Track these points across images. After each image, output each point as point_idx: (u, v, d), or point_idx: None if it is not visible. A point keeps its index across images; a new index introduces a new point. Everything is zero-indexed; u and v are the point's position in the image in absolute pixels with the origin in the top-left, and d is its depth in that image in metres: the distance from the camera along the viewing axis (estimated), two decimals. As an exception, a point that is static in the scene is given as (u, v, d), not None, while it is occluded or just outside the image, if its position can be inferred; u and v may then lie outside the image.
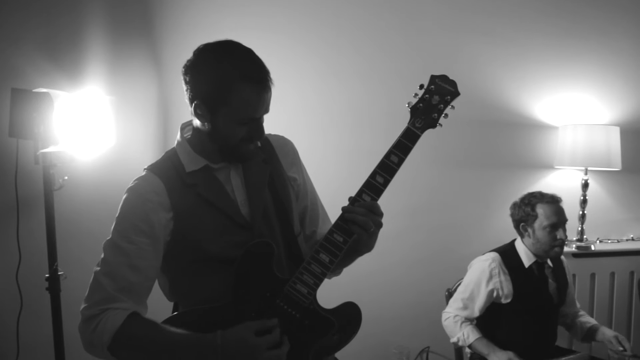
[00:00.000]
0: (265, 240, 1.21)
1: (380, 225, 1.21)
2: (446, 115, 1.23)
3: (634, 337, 2.75)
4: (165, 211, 1.18)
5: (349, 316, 1.25)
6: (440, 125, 1.23)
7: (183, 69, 1.20)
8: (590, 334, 2.16)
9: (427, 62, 2.68)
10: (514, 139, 2.79)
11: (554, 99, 2.81)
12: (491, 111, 2.74)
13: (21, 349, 2.04)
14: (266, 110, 1.21)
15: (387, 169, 1.19)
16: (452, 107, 1.24)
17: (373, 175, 1.20)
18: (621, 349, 2.00)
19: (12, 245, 2.01)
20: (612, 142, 2.64)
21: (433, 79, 1.24)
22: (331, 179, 2.27)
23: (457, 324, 2.09)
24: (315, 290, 1.19)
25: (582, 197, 2.75)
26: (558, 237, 2.05)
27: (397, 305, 2.71)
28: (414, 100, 1.23)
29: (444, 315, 2.15)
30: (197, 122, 1.22)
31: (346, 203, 1.21)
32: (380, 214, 1.20)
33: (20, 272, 2.02)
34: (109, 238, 1.18)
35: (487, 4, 2.72)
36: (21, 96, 1.84)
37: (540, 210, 2.07)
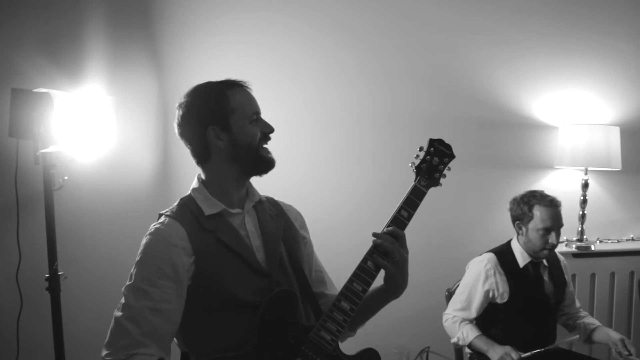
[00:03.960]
0: (289, 290, 1.26)
1: (404, 258, 1.26)
2: (444, 175, 1.34)
3: (634, 337, 2.75)
4: (187, 255, 1.21)
5: None
6: (441, 184, 1.34)
7: (178, 119, 1.30)
8: (594, 335, 2.15)
9: (426, 63, 2.68)
10: (514, 139, 2.79)
11: (554, 99, 2.81)
12: (491, 111, 2.74)
13: (21, 349, 2.03)
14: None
15: (398, 222, 1.28)
16: (449, 168, 1.35)
17: (387, 227, 1.28)
18: (627, 353, 1.99)
19: (12, 245, 2.00)
20: (612, 142, 2.64)
21: (432, 142, 1.34)
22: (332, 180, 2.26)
23: (456, 324, 2.11)
24: (338, 337, 1.23)
25: (582, 197, 2.75)
26: (549, 241, 2.05)
27: (397, 305, 2.67)
28: (416, 161, 1.34)
29: (444, 317, 2.18)
30: (215, 149, 1.26)
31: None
32: (405, 247, 1.27)
33: (20, 272, 2.02)
34: (129, 282, 1.18)
35: (486, 4, 2.72)
36: (21, 96, 1.84)
37: (537, 212, 2.06)
